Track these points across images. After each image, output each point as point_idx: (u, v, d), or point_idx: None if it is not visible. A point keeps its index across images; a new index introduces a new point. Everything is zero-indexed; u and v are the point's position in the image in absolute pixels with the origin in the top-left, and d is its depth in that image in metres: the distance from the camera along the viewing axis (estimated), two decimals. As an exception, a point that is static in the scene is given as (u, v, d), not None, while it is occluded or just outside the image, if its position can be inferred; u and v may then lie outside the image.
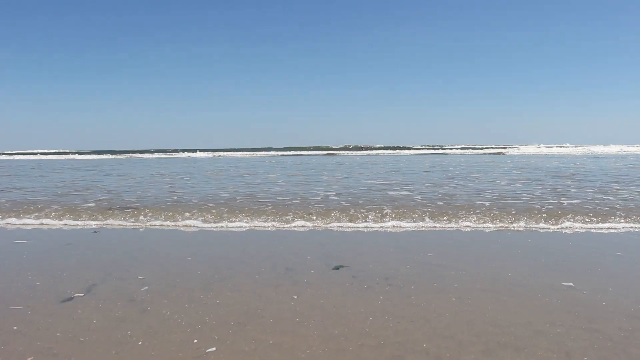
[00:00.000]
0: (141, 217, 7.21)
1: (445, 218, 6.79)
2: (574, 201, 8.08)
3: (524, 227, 6.38)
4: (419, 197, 8.87)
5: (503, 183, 11.49)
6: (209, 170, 18.77)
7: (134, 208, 7.81)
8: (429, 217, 6.84)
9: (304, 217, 6.97)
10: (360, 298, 3.49)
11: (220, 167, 21.56)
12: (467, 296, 3.49)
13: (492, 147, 60.21)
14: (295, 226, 6.58)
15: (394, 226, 6.50)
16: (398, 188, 10.45)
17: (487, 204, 7.82)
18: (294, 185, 11.50)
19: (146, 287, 3.82)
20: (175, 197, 9.18)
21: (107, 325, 3.03)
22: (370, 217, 6.91)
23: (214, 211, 7.37)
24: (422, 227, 6.45)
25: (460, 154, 41.23)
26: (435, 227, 6.44)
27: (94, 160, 38.25)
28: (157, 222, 6.99)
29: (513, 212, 7.02)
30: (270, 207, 7.71)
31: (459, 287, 3.72)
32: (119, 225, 6.92)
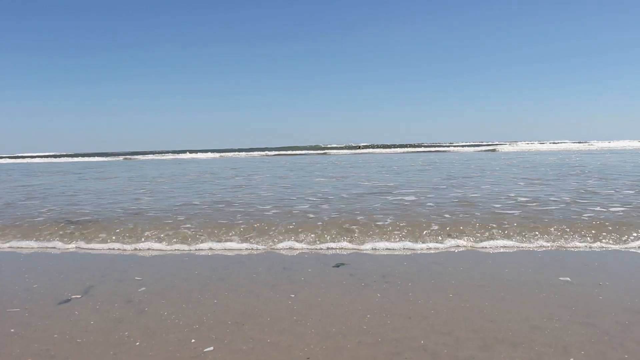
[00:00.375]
0: (77, 238, 5.78)
1: (478, 235, 5.30)
2: (625, 208, 6.48)
3: (588, 246, 4.94)
4: (430, 202, 7.39)
5: (521, 184, 10.09)
6: (196, 172, 18.08)
7: (80, 223, 6.47)
8: (454, 235, 5.31)
9: (274, 236, 5.46)
10: (358, 296, 3.49)
11: (210, 169, 21.14)
12: (464, 292, 3.50)
13: (492, 144, 60.23)
14: (275, 249, 5.14)
15: (404, 248, 5.00)
16: (401, 191, 9.11)
17: (516, 212, 6.27)
18: (282, 189, 10.26)
19: (143, 288, 3.81)
20: (136, 207, 7.81)
21: (105, 327, 3.02)
22: (371, 235, 5.38)
23: (171, 232, 5.77)
24: (445, 248, 4.96)
25: (457, 152, 41.30)
26: (469, 247, 4.97)
27: (85, 162, 38.16)
28: (91, 246, 5.53)
29: (549, 217, 5.86)
30: (240, 222, 6.13)
31: (456, 283, 3.73)
32: (43, 249, 5.55)
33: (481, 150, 42.75)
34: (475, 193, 8.57)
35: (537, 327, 2.82)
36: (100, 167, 26.23)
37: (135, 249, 5.32)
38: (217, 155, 49.39)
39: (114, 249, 5.40)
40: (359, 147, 62.85)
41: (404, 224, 5.78)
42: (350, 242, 5.25)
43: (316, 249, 5.11)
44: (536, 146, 50.68)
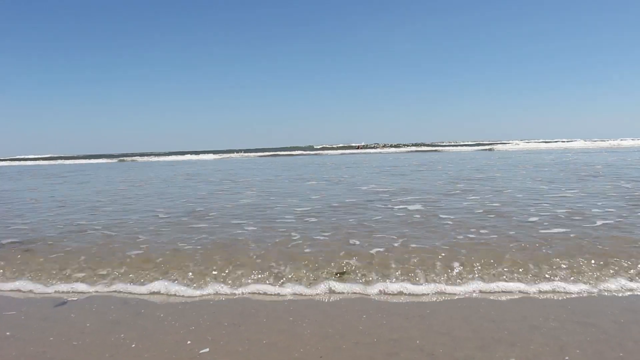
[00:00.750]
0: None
1: (536, 273, 3.71)
2: None
3: None
4: (445, 215, 6.02)
5: (544, 187, 8.89)
6: (183, 175, 17.27)
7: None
8: (492, 274, 3.73)
9: (236, 278, 3.86)
10: (355, 296, 3.49)
11: (201, 171, 20.61)
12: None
13: (491, 143, 60.26)
14: (235, 294, 3.57)
15: (439, 292, 3.47)
16: (404, 198, 7.84)
17: (570, 232, 4.80)
18: (267, 196, 9.02)
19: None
20: (85, 222, 6.51)
21: (101, 329, 3.01)
22: (372, 278, 3.75)
23: (95, 268, 4.27)
24: (491, 291, 3.46)
25: (456, 151, 41.34)
26: (525, 294, 3.39)
27: (78, 164, 38.17)
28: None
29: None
30: (196, 249, 4.66)
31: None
32: None
33: (480, 150, 42.79)
34: (496, 201, 7.19)
35: (535, 327, 2.82)
36: (89, 170, 25.98)
37: (56, 292, 3.84)
38: (217, 156, 49.30)
39: (22, 290, 3.94)
40: (358, 147, 62.87)
41: (414, 246, 4.45)
42: (342, 282, 3.70)
43: (299, 293, 3.57)
44: (533, 145, 50.90)
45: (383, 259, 4.13)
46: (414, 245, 4.51)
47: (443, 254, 4.18)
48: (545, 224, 5.35)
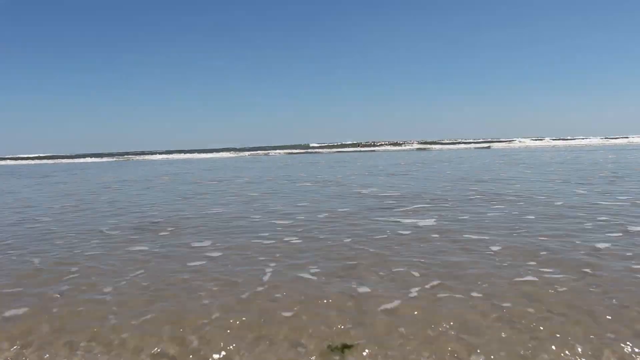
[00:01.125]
0: None
1: None
2: None
3: None
4: (475, 235, 4.51)
5: (581, 191, 7.60)
6: (173, 175, 16.67)
7: None
8: None
9: None
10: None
11: (193, 170, 19.94)
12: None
13: (490, 141, 60.31)
14: None
15: None
16: (412, 208, 6.47)
17: None
18: (247, 203, 7.83)
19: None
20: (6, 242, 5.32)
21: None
22: None
23: None
24: None
25: (454, 149, 41.34)
26: None
27: (71, 164, 39.23)
28: None
29: None
30: (110, 291, 3.34)
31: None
32: None
33: (478, 148, 42.81)
34: (530, 212, 5.75)
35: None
36: (78, 169, 25.35)
37: None
38: (217, 155, 49.21)
39: None
40: (359, 145, 62.82)
41: (447, 295, 2.94)
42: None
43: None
44: (528, 143, 51.20)
45: (409, 331, 2.49)
46: (444, 295, 2.91)
47: (506, 318, 2.55)
48: (628, 253, 3.67)
